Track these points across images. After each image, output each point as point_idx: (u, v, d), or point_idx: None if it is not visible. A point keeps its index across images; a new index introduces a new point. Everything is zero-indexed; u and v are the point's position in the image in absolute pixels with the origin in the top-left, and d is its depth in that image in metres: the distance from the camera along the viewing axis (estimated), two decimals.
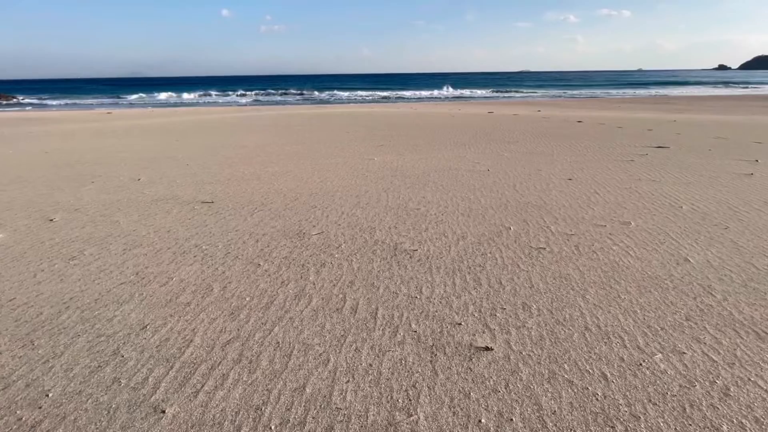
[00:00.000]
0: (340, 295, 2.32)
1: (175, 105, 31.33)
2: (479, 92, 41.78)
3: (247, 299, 2.30)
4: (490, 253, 2.85)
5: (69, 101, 40.26)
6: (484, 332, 1.95)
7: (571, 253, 2.83)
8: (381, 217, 3.63)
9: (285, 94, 43.16)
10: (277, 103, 33.22)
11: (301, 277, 2.55)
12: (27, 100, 42.12)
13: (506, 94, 38.54)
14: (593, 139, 7.67)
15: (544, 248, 2.92)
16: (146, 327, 2.04)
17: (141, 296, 2.34)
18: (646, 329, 1.96)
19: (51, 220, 3.68)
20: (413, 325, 2.02)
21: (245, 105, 29.40)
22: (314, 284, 2.46)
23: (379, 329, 1.99)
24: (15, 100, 42.07)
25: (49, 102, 40.07)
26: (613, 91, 40.35)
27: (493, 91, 42.56)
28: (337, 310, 2.17)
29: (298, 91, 44.77)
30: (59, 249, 3.04)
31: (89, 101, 38.98)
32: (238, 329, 2.01)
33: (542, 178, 4.91)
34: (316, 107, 23.38)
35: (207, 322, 2.07)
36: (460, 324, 2.02)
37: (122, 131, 10.50)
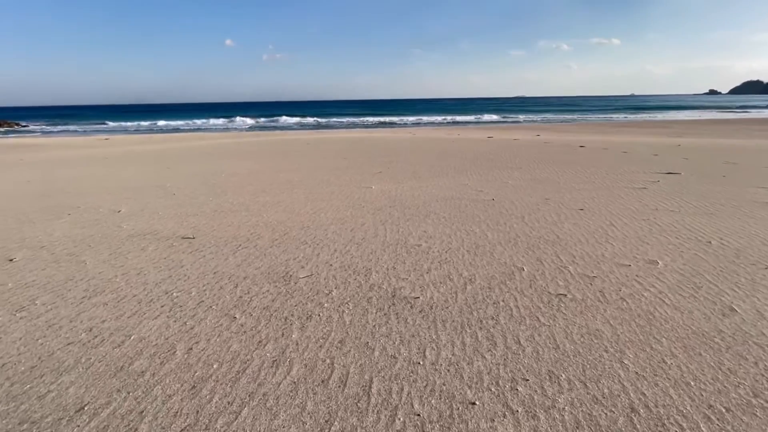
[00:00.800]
0: (327, 360, 1.93)
1: (175, 131, 31.47)
2: (476, 117, 42.24)
3: (214, 366, 1.90)
4: (503, 301, 2.47)
5: (72, 127, 40.59)
6: (505, 416, 1.55)
7: (597, 301, 2.45)
8: (378, 255, 3.26)
9: (284, 119, 43.60)
10: (276, 128, 33.41)
11: (283, 335, 2.16)
12: (33, 126, 42.57)
13: (504, 119, 38.93)
14: (599, 165, 7.40)
15: (565, 295, 2.54)
16: (83, 408, 1.63)
17: (88, 362, 1.95)
18: (708, 411, 1.56)
19: (10, 260, 3.31)
20: (416, 405, 1.62)
21: (244, 131, 29.53)
22: (297, 344, 2.07)
23: (373, 411, 1.59)
24: (17, 126, 42.50)
25: (51, 128, 40.38)
26: (609, 116, 40.82)
27: (490, 116, 43.04)
28: (323, 382, 1.78)
29: (297, 117, 45.27)
30: (9, 297, 2.65)
31: (90, 127, 39.28)
32: (197, 412, 1.61)
33: (551, 208, 4.58)
34: (315, 132, 23.40)
35: (160, 400, 1.67)
36: (474, 404, 1.62)
37: (114, 158, 10.26)
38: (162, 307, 2.49)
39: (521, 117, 41.23)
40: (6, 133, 33.59)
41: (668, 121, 28.45)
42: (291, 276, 2.90)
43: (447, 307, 2.41)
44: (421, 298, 2.53)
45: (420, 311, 2.37)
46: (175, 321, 2.32)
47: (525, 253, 3.25)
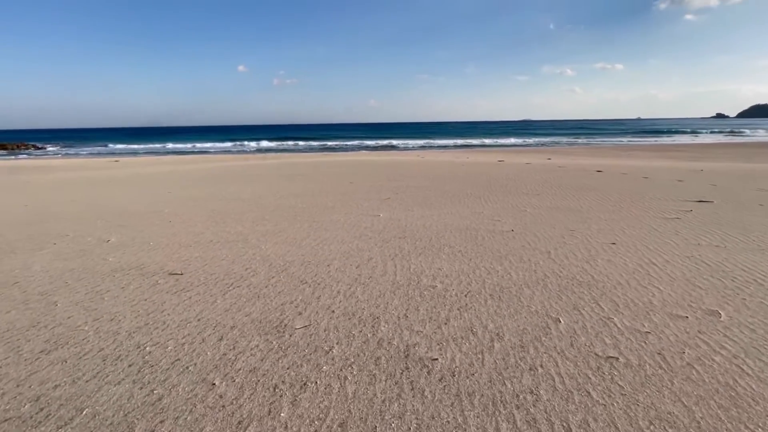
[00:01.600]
0: None
1: (185, 153, 31.79)
2: (484, 140, 42.24)
3: None
4: (542, 366, 2.02)
5: (86, 149, 41.45)
6: None
7: (658, 368, 1.98)
8: (387, 299, 2.84)
9: (294, 141, 44.02)
10: (284, 150, 33.61)
11: (269, 412, 1.73)
12: (51, 148, 43.63)
13: (512, 142, 38.80)
14: (622, 192, 6.96)
15: (617, 358, 2.08)
16: None
17: None
18: None
19: None
20: None
21: (253, 153, 29.68)
22: (285, 428, 1.63)
23: None
24: (34, 147, 43.57)
25: (66, 150, 41.29)
26: (618, 139, 40.49)
27: (498, 139, 43.01)
28: None
29: (306, 140, 45.71)
30: None
31: (104, 149, 40.02)
32: None
33: (579, 241, 4.13)
34: (323, 155, 23.35)
35: None
36: None
37: (119, 181, 10.08)
38: (129, 367, 2.08)
39: (529, 140, 41.09)
40: (27, 154, 34.27)
41: (681, 145, 27.98)
42: (286, 326, 2.48)
43: (473, 374, 1.96)
44: (440, 359, 2.09)
45: (440, 379, 1.93)
46: (141, 388, 1.90)
47: (558, 298, 2.80)
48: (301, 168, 12.25)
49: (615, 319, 2.49)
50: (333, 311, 2.67)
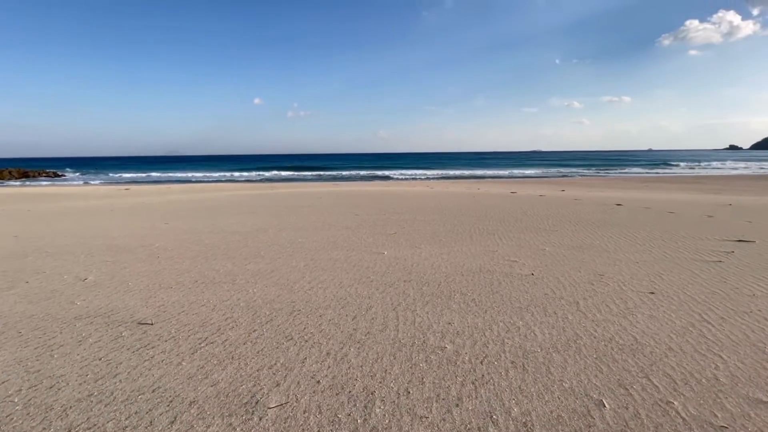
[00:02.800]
0: None
1: (198, 182, 32.14)
2: (495, 171, 42.05)
3: None
4: None
5: (103, 176, 42.42)
6: None
7: None
8: (386, 364, 2.34)
9: (304, 171, 44.43)
10: (295, 180, 33.78)
11: None
12: (70, 175, 44.86)
13: (523, 173, 38.48)
14: (649, 229, 6.40)
15: None
16: None
17: None
18: None
19: None
20: None
21: (263, 182, 29.83)
22: None
23: None
24: (54, 174, 44.82)
25: (84, 177, 42.36)
26: (632, 171, 39.87)
27: (509, 171, 42.80)
28: None
29: (317, 170, 46.14)
30: None
31: (119, 176, 40.88)
32: None
33: (611, 289, 3.59)
34: (332, 185, 23.23)
35: None
36: None
37: (120, 210, 9.87)
38: None
39: (540, 171, 40.74)
40: (46, 181, 35.09)
41: (700, 177, 27.25)
42: (257, 403, 1.99)
43: None
44: None
45: None
46: None
47: (597, 369, 2.26)
48: (307, 198, 11.96)
49: (675, 403, 1.95)
50: (318, 382, 2.17)
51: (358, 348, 2.55)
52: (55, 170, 49.69)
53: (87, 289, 3.78)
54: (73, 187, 25.12)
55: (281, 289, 3.70)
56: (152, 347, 2.60)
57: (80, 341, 2.70)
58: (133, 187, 22.99)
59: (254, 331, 2.83)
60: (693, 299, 3.32)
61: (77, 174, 46.25)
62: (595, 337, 2.65)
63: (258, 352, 2.51)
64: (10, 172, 41.50)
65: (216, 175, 42.15)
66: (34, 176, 42.77)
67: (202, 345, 2.62)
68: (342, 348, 2.56)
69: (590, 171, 40.26)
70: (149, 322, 3.00)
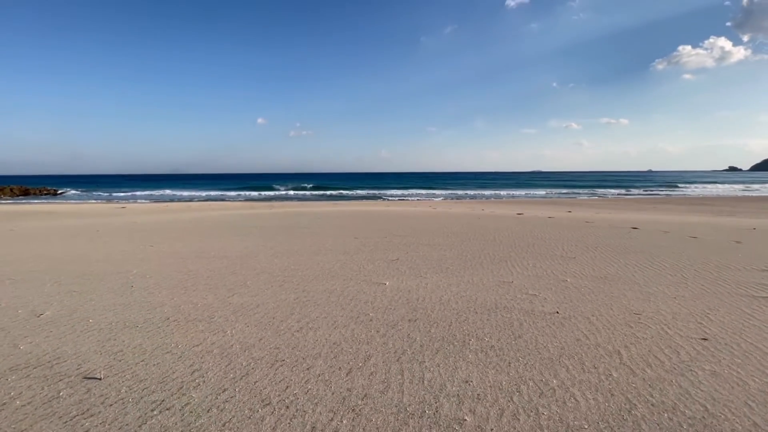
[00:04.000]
0: None
1: (197, 200, 31.78)
2: (497, 191, 41.77)
3: None
4: None
5: (103, 193, 42.19)
6: None
7: None
8: None
9: (305, 190, 44.17)
10: (295, 198, 33.42)
11: None
12: (71, 192, 44.70)
13: (527, 193, 38.11)
14: (676, 256, 5.86)
15: None
16: None
17: None
18: None
19: None
20: None
21: (263, 201, 29.45)
22: None
23: None
24: (54, 192, 44.65)
25: (83, 194, 42.19)
26: (635, 191, 39.48)
27: (512, 191, 42.48)
28: None
29: (318, 188, 45.89)
30: None
31: (119, 194, 40.63)
32: None
33: (654, 333, 3.04)
34: (333, 204, 22.79)
35: None
36: None
37: (107, 231, 9.38)
38: None
39: (543, 191, 40.38)
40: (43, 199, 34.80)
41: (706, 198, 26.77)
42: None
43: None
44: None
45: None
46: None
47: None
48: (305, 219, 11.47)
49: None
50: None
51: (353, 419, 1.99)
52: (56, 188, 49.62)
53: (39, 327, 3.24)
54: (69, 205, 24.74)
55: (264, 330, 3.15)
56: (89, 415, 2.04)
57: (5, 404, 2.15)
58: (130, 206, 22.58)
59: (224, 390, 2.27)
60: (757, 348, 2.76)
61: (77, 192, 46.10)
62: (653, 405, 2.09)
63: (224, 424, 1.96)
64: (11, 189, 41.34)
65: (216, 193, 41.89)
66: (35, 193, 42.58)
67: (155, 413, 2.06)
68: (332, 419, 2.00)
69: (593, 192, 39.88)
70: (98, 376, 2.45)
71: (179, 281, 4.62)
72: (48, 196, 41.40)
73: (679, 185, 48.98)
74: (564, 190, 41.03)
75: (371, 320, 3.35)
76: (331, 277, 4.72)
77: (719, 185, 47.84)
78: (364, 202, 27.31)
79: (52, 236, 8.60)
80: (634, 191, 43.70)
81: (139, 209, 19.21)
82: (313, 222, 10.52)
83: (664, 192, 38.25)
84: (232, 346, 2.87)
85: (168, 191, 45.09)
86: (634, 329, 3.11)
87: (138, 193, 42.87)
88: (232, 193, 41.48)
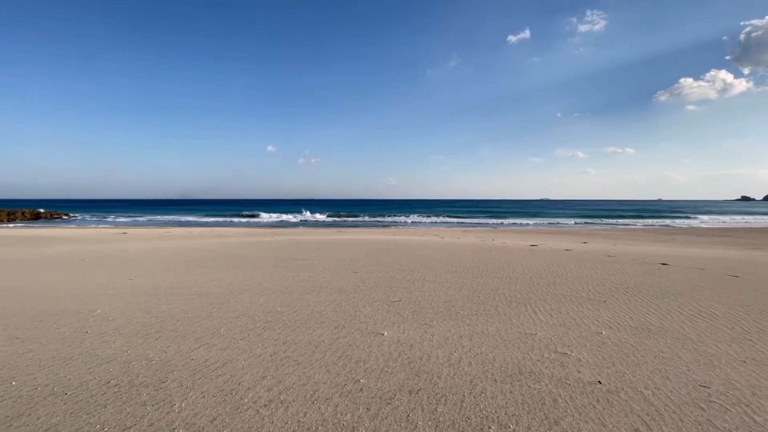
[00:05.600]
0: None
1: (200, 225, 31.51)
2: (506, 219, 41.00)
3: None
4: None
5: (109, 217, 42.35)
6: None
7: None
8: None
9: (308, 216, 43.82)
10: (300, 225, 32.97)
11: None
12: (80, 217, 45.00)
13: (538, 222, 37.23)
14: (724, 301, 5.05)
15: None
16: None
17: None
18: None
19: None
20: None
21: (266, 228, 29.01)
22: None
23: None
24: (63, 216, 44.96)
25: (90, 218, 42.39)
26: (648, 221, 38.37)
27: (520, 219, 41.64)
28: None
29: (323, 215, 45.54)
30: None
31: (125, 219, 40.67)
32: None
33: (738, 420, 2.27)
34: (337, 232, 22.19)
35: None
36: None
37: (93, 259, 8.82)
38: None
39: (555, 220, 39.46)
40: (50, 223, 34.85)
41: (728, 229, 25.62)
42: None
43: None
44: None
45: None
46: None
47: None
48: (305, 249, 10.84)
49: None
50: None
51: None
52: (67, 212, 50.07)
53: None
54: (72, 229, 24.52)
55: (223, 404, 2.45)
56: None
57: None
58: (132, 230, 22.24)
59: None
60: None
61: (86, 216, 46.40)
62: None
63: None
64: (23, 213, 41.66)
65: (222, 219, 41.74)
66: (45, 217, 42.85)
67: None
68: None
69: (605, 221, 38.84)
70: None
71: (143, 326, 3.96)
72: (58, 220, 41.65)
73: (694, 215, 47.65)
74: (576, 219, 40.04)
75: (361, 389, 2.63)
76: (320, 324, 4.02)
77: (736, 216, 46.42)
78: (370, 229, 26.69)
79: (33, 265, 8.06)
80: (649, 220, 42.57)
81: (138, 234, 18.79)
82: (312, 253, 9.87)
83: (678, 222, 37.08)
84: (174, 430, 2.17)
85: (174, 216, 45.18)
86: (708, 413, 2.35)
87: (141, 218, 42.89)
88: (238, 219, 41.28)
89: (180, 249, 10.99)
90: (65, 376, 2.83)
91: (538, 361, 3.11)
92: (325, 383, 2.73)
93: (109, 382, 2.75)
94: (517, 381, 2.76)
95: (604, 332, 3.79)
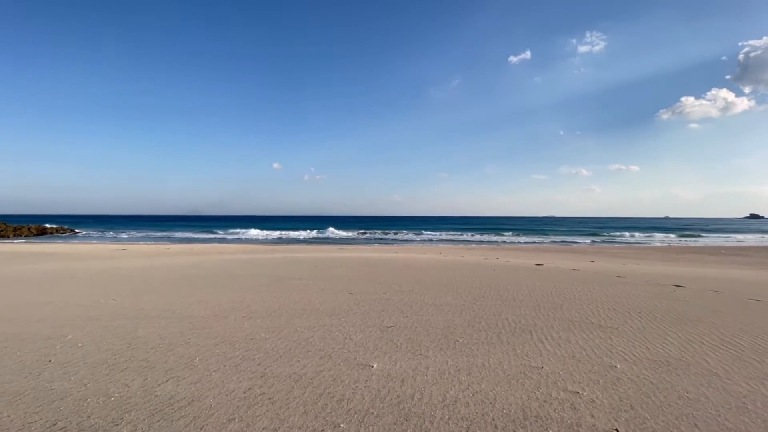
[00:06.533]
0: None
1: (201, 241, 31.34)
2: (513, 238, 40.51)
3: None
4: None
5: (117, 234, 42.38)
6: None
7: None
8: None
9: (308, 234, 43.56)
10: (299, 241, 32.69)
11: None
12: (87, 232, 45.14)
13: (542, 240, 36.67)
14: (748, 329, 4.64)
15: None
16: None
17: None
18: None
19: None
20: None
21: (266, 244, 28.77)
22: None
23: None
24: (70, 231, 45.10)
25: (95, 234, 42.49)
26: (657, 238, 37.67)
27: (525, 236, 41.12)
28: None
29: (325, 231, 45.28)
30: None
31: (129, 235, 40.66)
32: None
33: None
34: (337, 249, 21.86)
35: None
36: None
37: (82, 277, 8.55)
38: None
39: (560, 238, 38.88)
40: (52, 239, 34.87)
41: (739, 248, 24.95)
42: None
43: None
44: None
45: None
46: None
47: None
48: (302, 267, 10.52)
49: None
50: None
51: None
52: (73, 227, 50.31)
53: None
54: (74, 245, 24.42)
55: None
56: None
57: None
58: (132, 247, 22.06)
59: None
60: None
61: (91, 232, 46.54)
62: None
63: None
64: (29, 228, 41.84)
65: (224, 235, 41.62)
66: (51, 233, 42.98)
67: None
68: None
69: (612, 238, 38.18)
70: None
71: (112, 354, 3.64)
72: (63, 235, 41.74)
73: (703, 234, 46.80)
74: (582, 238, 39.40)
75: None
76: (305, 353, 3.67)
77: (748, 235, 45.52)
78: (372, 246, 26.33)
79: (19, 284, 7.80)
80: (657, 235, 41.81)
81: (137, 251, 18.58)
82: (309, 272, 9.54)
83: (686, 240, 36.34)
84: None
85: (176, 233, 45.20)
86: None
87: (143, 234, 42.88)
88: (239, 236, 41.12)
89: (175, 266, 10.71)
90: (8, 416, 2.51)
91: (545, 401, 2.73)
92: (299, 428, 2.38)
93: (55, 424, 2.42)
94: (522, 428, 2.40)
95: (618, 366, 3.41)
